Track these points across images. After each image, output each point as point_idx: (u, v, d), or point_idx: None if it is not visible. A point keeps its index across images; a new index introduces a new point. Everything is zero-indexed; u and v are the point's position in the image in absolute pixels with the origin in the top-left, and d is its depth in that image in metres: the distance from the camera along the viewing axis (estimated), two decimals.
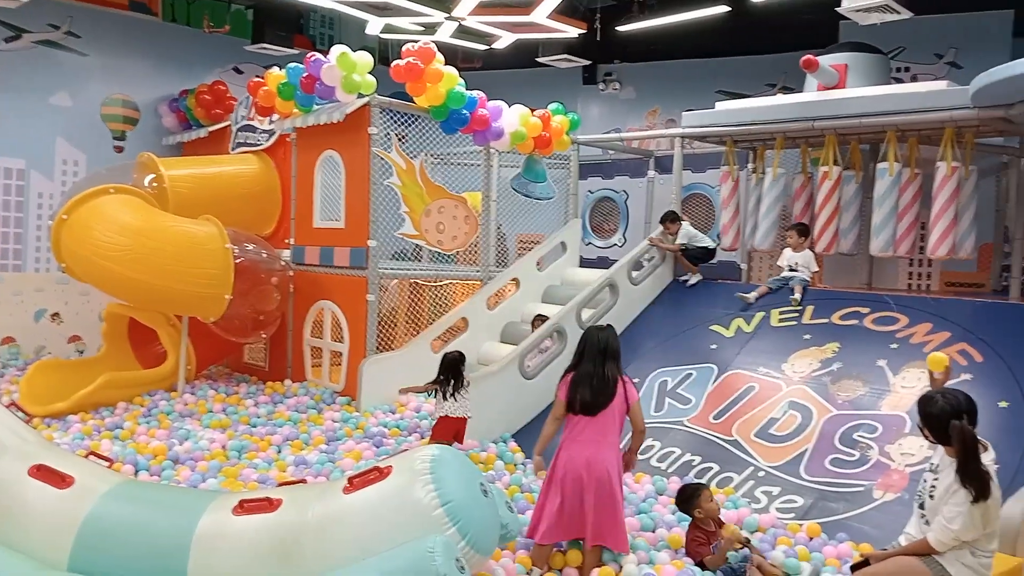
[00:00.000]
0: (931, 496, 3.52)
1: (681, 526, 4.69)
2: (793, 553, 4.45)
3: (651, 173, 9.79)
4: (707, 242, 8.10)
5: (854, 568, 3.81)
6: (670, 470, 5.76)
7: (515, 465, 5.83)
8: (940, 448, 3.57)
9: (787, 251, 7.47)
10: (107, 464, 4.30)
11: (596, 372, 4.29)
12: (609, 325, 4.65)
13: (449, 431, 5.85)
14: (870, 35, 8.35)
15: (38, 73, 9.69)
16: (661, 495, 5.34)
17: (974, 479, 3.35)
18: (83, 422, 6.61)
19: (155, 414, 6.87)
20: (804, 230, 7.53)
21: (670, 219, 8.08)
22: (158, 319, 7.54)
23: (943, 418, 3.46)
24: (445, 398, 5.90)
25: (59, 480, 3.79)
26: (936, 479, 3.53)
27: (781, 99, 8.09)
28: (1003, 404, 5.20)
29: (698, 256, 8.02)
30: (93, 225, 6.74)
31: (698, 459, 5.79)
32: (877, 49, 7.95)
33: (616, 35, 10.58)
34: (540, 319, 7.58)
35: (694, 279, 7.95)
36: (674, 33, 9.92)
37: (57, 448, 4.34)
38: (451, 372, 5.97)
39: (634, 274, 7.75)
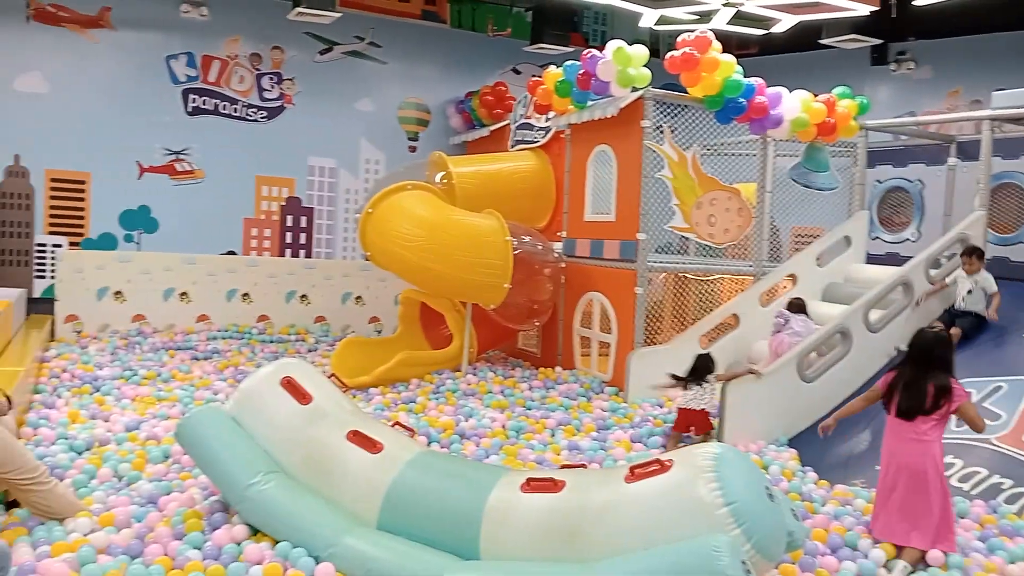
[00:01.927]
0: None
1: (997, 554, 4.22)
2: None
3: (952, 160, 8.81)
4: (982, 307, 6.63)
5: None
6: (973, 492, 5.16)
7: (792, 472, 5.56)
8: None
9: None
10: (409, 434, 4.72)
11: (916, 379, 4.31)
12: (941, 330, 4.54)
13: (684, 422, 6.16)
14: None
15: (346, 81, 10.92)
16: (963, 518, 4.81)
17: None
18: (383, 395, 7.30)
19: (443, 391, 7.41)
20: None
21: (977, 255, 6.71)
22: (446, 305, 8.15)
23: None
24: (685, 388, 6.22)
25: (371, 446, 4.18)
26: None
27: None
28: None
29: (968, 324, 6.54)
30: (393, 218, 7.41)
31: (1008, 482, 5.11)
32: None
33: (912, 10, 9.67)
34: (796, 302, 7.24)
35: None
36: (981, 4, 8.83)
37: (368, 416, 4.83)
38: (697, 370, 6.25)
39: (932, 273, 7.02)
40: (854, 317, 6.56)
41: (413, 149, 11.26)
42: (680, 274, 8.36)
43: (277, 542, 3.95)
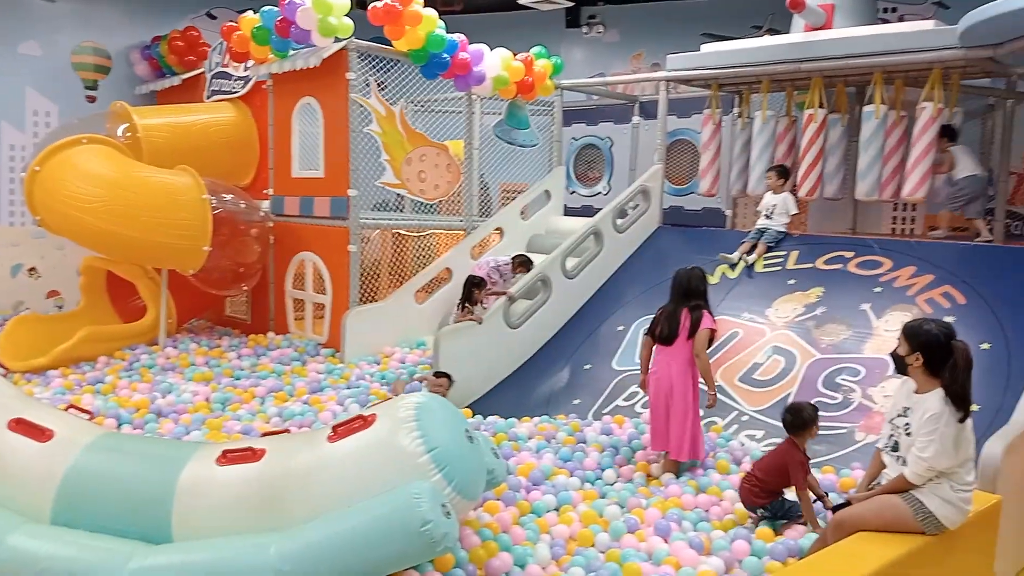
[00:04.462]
0: (907, 433, 3.50)
1: None
2: None
3: (636, 119, 9.65)
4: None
5: (835, 509, 3.84)
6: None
7: (501, 416, 5.80)
8: (906, 388, 3.56)
9: (767, 195, 7.37)
10: (88, 417, 4.24)
11: (668, 310, 4.98)
12: (695, 267, 5.12)
13: None
14: None
15: (6, 22, 9.38)
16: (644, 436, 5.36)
17: (964, 399, 3.35)
18: (64, 377, 6.58)
19: (137, 368, 6.83)
20: (783, 172, 7.37)
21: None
22: (136, 272, 7.45)
23: (942, 338, 3.39)
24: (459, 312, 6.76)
25: (39, 433, 3.73)
26: (907, 422, 3.50)
27: (767, 41, 7.94)
28: (985, 346, 5.23)
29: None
30: (66, 177, 6.62)
31: None
32: None
33: None
34: (520, 262, 7.50)
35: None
36: None
37: (36, 402, 4.30)
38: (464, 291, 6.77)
39: (619, 222, 7.68)
40: (552, 265, 6.99)
41: (92, 100, 9.98)
42: (395, 231, 8.34)
43: None
